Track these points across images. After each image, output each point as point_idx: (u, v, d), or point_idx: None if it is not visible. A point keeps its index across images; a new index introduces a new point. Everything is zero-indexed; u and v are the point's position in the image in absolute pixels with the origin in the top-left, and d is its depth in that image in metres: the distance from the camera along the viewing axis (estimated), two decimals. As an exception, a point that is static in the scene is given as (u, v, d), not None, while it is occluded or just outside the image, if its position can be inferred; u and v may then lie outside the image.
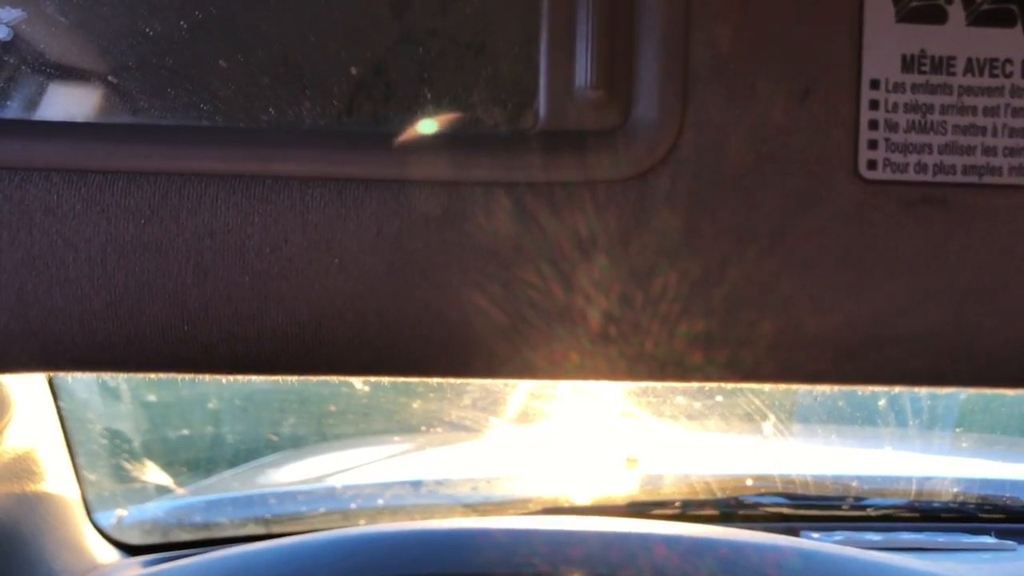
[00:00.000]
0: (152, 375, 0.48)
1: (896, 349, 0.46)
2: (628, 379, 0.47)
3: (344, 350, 0.46)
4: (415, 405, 1.34)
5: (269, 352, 0.46)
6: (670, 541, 0.87)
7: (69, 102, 0.45)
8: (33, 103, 0.45)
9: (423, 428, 1.39)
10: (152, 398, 1.32)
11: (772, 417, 1.32)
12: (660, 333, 0.46)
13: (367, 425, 1.45)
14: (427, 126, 0.45)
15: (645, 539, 0.86)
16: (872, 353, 0.46)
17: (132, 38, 0.44)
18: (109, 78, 0.45)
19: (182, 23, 0.44)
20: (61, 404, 0.99)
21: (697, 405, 1.32)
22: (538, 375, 0.47)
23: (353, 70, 0.45)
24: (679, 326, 0.46)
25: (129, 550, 1.05)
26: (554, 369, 0.47)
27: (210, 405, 1.40)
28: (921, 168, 0.45)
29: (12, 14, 0.44)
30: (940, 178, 0.45)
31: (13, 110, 0.45)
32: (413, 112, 0.45)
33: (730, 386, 0.48)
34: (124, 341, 0.45)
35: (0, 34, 0.44)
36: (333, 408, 1.42)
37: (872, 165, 0.45)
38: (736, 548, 0.86)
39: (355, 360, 0.46)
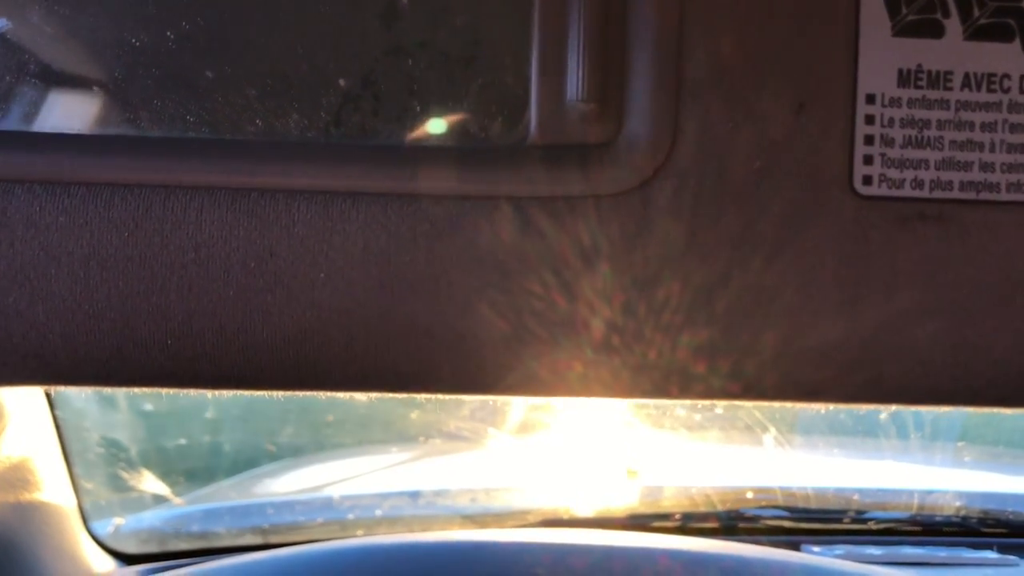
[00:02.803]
0: (135, 390, 0.47)
1: (894, 367, 0.46)
2: (626, 396, 0.46)
3: (330, 365, 0.45)
4: (413, 415, 1.33)
5: (254, 367, 0.45)
6: (671, 555, 0.86)
7: (52, 113, 0.44)
8: (15, 114, 0.44)
9: (421, 439, 1.39)
10: (149, 407, 1.32)
11: (773, 429, 1.31)
12: (658, 347, 0.45)
13: (365, 435, 1.45)
14: (416, 139, 0.45)
15: (646, 552, 0.85)
16: (869, 372, 0.46)
17: (117, 49, 0.44)
18: (93, 89, 0.44)
19: (168, 34, 0.44)
20: (57, 413, 0.99)
21: (698, 417, 1.32)
22: (530, 392, 0.46)
23: (341, 82, 0.44)
24: (678, 339, 0.45)
25: (125, 559, 1.05)
26: (546, 386, 0.46)
27: (208, 415, 1.40)
28: (917, 184, 0.45)
29: (-4, 24, 0.43)
30: (937, 194, 0.45)
31: None
32: (402, 125, 0.45)
33: (731, 403, 0.47)
34: (107, 355, 0.45)
35: None
36: (331, 418, 1.41)
37: (868, 181, 0.44)
38: (738, 562, 0.86)
39: (342, 376, 0.46)
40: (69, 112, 0.44)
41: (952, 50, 0.44)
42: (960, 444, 1.39)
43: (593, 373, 0.45)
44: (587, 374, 0.46)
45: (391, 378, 0.46)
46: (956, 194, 0.45)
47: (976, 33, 0.44)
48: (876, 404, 0.47)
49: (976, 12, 0.44)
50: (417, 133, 0.45)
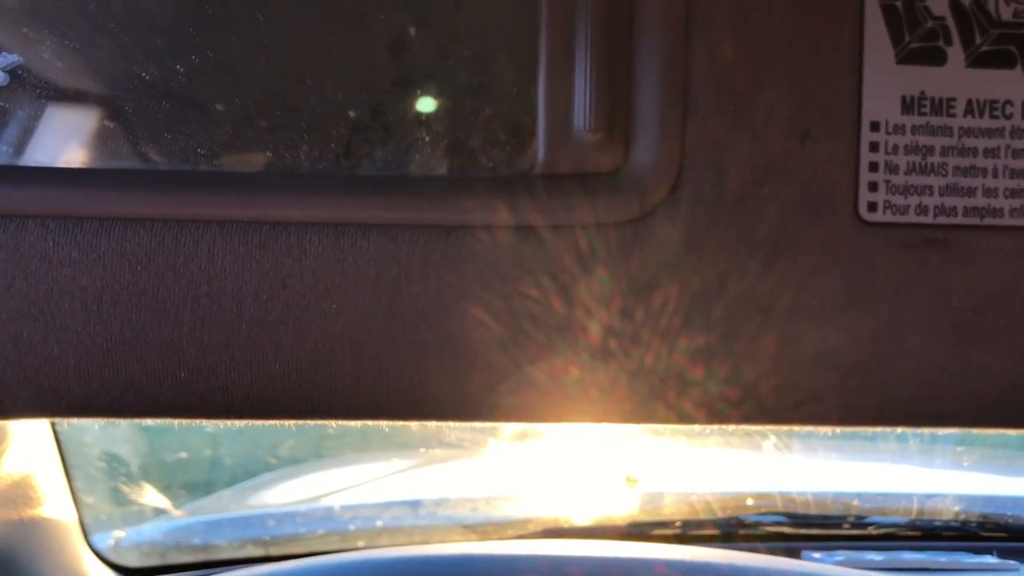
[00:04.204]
0: (148, 421, 0.47)
1: (899, 390, 0.46)
2: (634, 422, 0.47)
3: (342, 395, 0.46)
4: (413, 426, 1.33)
5: (267, 398, 0.45)
6: (668, 564, 0.86)
7: (65, 148, 0.45)
8: (29, 149, 0.44)
9: (422, 448, 1.39)
10: (149, 421, 1.31)
11: (772, 435, 1.31)
12: (664, 377, 0.45)
13: (365, 447, 1.44)
14: (425, 169, 0.45)
15: (643, 562, 0.86)
16: (875, 394, 0.46)
17: (129, 83, 0.44)
18: (105, 123, 0.44)
19: (179, 68, 0.44)
20: (58, 428, 0.99)
21: (695, 424, 1.31)
22: (540, 419, 0.46)
23: (351, 113, 0.44)
24: (682, 370, 0.45)
25: (127, 573, 1.05)
26: (556, 413, 0.46)
27: (207, 428, 1.39)
28: (922, 210, 0.45)
29: (8, 59, 0.44)
30: (941, 220, 0.45)
31: (9, 156, 0.44)
32: (411, 155, 0.45)
33: (733, 428, 0.47)
34: (120, 388, 0.45)
35: None
36: (331, 431, 1.41)
37: (872, 207, 0.45)
38: (735, 571, 0.86)
39: (353, 405, 0.46)
40: (81, 147, 0.44)
41: (955, 77, 0.45)
42: (959, 448, 1.39)
43: (605, 400, 0.46)
44: (600, 401, 0.46)
45: (402, 407, 0.46)
46: (960, 220, 0.45)
47: (978, 60, 0.45)
48: (882, 426, 0.48)
49: (978, 39, 0.45)
50: (426, 163, 0.45)
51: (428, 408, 0.46)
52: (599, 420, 0.47)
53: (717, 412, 0.46)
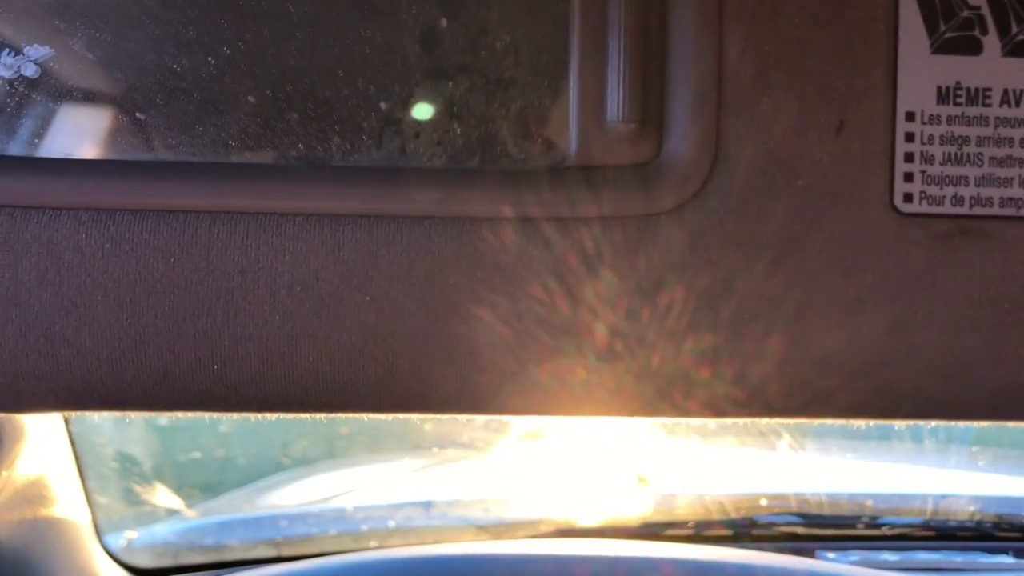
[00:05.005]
0: (181, 414, 0.47)
1: (936, 383, 0.46)
2: (668, 416, 0.46)
3: (375, 388, 0.45)
4: (427, 427, 1.33)
5: (299, 390, 0.45)
6: (682, 564, 0.86)
7: (98, 140, 0.44)
8: (62, 141, 0.44)
9: (434, 448, 1.39)
10: (163, 421, 1.32)
11: (786, 435, 1.31)
12: (704, 372, 0.45)
13: (378, 446, 1.44)
14: (457, 162, 0.45)
15: (652, 561, 0.86)
16: (910, 384, 0.46)
17: (161, 74, 0.44)
18: (137, 115, 0.44)
19: (210, 59, 0.44)
20: (72, 428, 0.99)
21: (710, 424, 1.32)
22: (575, 412, 0.46)
23: (383, 105, 0.44)
24: (716, 362, 0.45)
25: (139, 573, 1.05)
26: (591, 406, 0.46)
27: (221, 427, 1.40)
28: (958, 201, 0.45)
29: (40, 51, 0.43)
30: (977, 210, 0.45)
31: (42, 148, 0.44)
32: (443, 148, 0.45)
33: (759, 420, 0.47)
34: (152, 381, 0.45)
35: (28, 71, 0.43)
36: (345, 430, 1.41)
37: (908, 198, 0.45)
38: (744, 570, 0.86)
39: (386, 398, 0.46)
40: (114, 139, 0.44)
41: (991, 66, 0.45)
42: (974, 448, 1.39)
43: (642, 394, 0.46)
44: (633, 395, 0.46)
45: (434, 400, 0.46)
46: (996, 210, 0.45)
47: (1014, 49, 0.45)
48: (914, 419, 0.48)
49: (1014, 28, 0.44)
50: (458, 156, 0.45)
51: (463, 402, 0.46)
52: (637, 414, 0.47)
53: (749, 406, 0.46)
